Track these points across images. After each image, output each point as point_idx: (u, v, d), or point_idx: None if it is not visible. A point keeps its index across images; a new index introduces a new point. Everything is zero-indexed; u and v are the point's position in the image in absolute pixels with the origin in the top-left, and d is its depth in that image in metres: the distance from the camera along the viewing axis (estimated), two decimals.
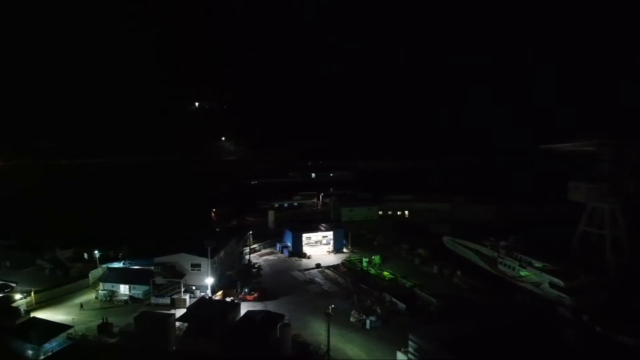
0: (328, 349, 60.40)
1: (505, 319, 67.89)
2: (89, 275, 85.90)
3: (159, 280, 79.80)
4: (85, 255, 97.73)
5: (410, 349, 55.18)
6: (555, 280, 76.97)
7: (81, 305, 75.95)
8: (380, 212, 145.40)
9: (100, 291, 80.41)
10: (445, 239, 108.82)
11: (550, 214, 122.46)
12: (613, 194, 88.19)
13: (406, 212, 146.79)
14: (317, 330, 66.91)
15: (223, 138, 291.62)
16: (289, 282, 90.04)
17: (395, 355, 58.20)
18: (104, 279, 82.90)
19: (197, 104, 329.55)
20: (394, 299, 77.20)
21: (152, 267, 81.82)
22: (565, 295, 74.56)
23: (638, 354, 59.16)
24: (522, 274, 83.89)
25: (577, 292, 74.39)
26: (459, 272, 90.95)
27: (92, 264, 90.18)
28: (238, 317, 67.61)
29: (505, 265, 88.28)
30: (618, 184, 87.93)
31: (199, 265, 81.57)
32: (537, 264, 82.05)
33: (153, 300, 77.63)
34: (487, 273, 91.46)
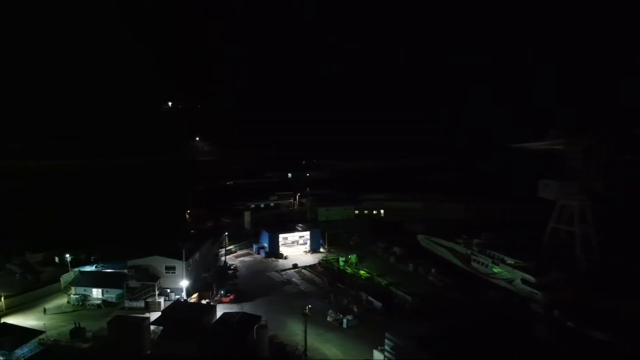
0: (305, 349, 60.49)
1: (479, 315, 69.31)
2: (60, 279, 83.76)
3: (133, 283, 78.31)
4: (56, 259, 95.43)
5: (386, 347, 55.66)
6: (527, 276, 78.76)
7: (44, 310, 74.17)
8: (357, 212, 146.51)
9: (72, 295, 78.47)
10: (419, 237, 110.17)
11: (521, 212, 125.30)
12: (582, 191, 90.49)
13: (382, 211, 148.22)
14: (294, 331, 66.92)
15: (197, 138, 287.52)
16: (265, 283, 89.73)
17: (372, 353, 58.66)
18: (75, 283, 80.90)
19: (170, 103, 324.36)
20: (370, 298, 77.81)
21: (126, 270, 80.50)
22: (537, 291, 76.40)
23: (609, 349, 60.92)
24: (495, 270, 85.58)
25: (548, 288, 76.35)
26: (433, 270, 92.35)
27: (64, 267, 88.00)
28: (214, 320, 67.02)
29: (478, 262, 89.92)
30: (587, 182, 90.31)
31: (173, 268, 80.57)
32: (510, 261, 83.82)
33: (127, 303, 76.17)
34: (461, 270, 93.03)
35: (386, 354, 55.58)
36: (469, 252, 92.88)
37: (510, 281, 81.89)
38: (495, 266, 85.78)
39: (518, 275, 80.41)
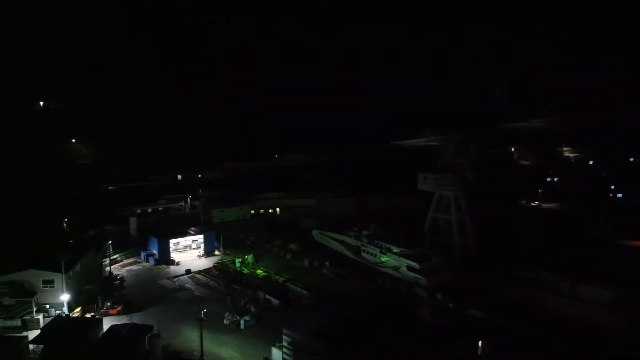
0: (201, 355, 59.30)
1: (370, 303, 73.27)
2: None
3: (6, 300, 71.17)
4: None
5: (284, 343, 56.55)
6: (412, 263, 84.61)
7: None
8: (253, 211, 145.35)
9: None
10: (314, 232, 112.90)
11: (404, 204, 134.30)
12: (456, 183, 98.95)
13: (277, 210, 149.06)
14: (190, 337, 65.24)
15: (74, 140, 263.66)
16: (156, 292, 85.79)
17: (270, 351, 59.24)
18: None
19: (41, 103, 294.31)
20: (267, 296, 78.30)
21: None
22: (420, 277, 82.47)
23: (485, 326, 67.60)
24: (383, 259, 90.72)
25: (431, 273, 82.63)
26: (327, 263, 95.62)
27: None
28: (101, 333, 62.93)
29: (368, 252, 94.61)
30: (459, 173, 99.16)
31: (52, 281, 74.31)
32: (395, 250, 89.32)
33: (1, 323, 68.72)
34: (353, 261, 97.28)
35: (284, 349, 56.48)
36: (358, 243, 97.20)
37: (396, 269, 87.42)
38: (383, 255, 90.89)
39: (403, 262, 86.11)
